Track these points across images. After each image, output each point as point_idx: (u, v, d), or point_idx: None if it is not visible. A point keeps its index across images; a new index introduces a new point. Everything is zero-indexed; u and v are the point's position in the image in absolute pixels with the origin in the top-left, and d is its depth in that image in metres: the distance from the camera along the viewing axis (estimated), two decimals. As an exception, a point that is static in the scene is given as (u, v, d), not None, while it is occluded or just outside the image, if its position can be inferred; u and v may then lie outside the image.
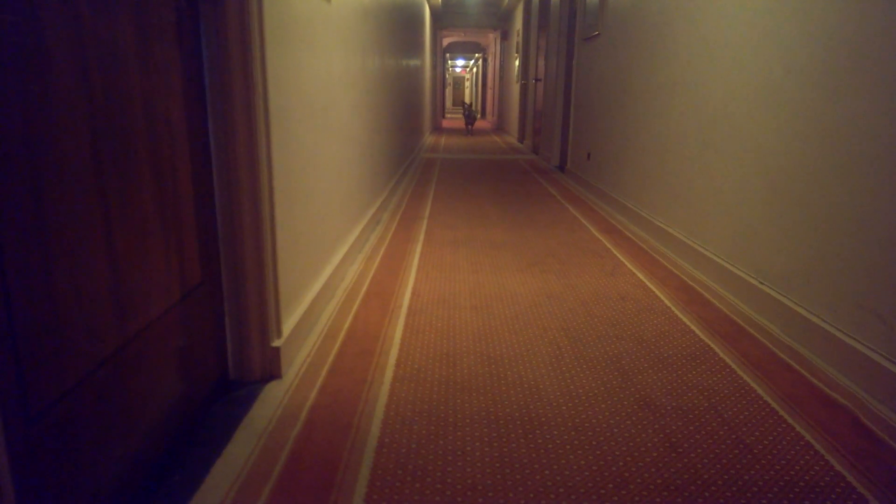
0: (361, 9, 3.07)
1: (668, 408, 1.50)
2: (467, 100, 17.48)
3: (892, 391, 1.50)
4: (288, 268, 1.73)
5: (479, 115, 18.31)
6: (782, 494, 1.18)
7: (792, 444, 1.35)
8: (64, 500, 0.92)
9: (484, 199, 4.57)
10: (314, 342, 1.85)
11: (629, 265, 2.79)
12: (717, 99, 2.56)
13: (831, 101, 1.79)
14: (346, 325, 2.00)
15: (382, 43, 4.02)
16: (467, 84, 28.64)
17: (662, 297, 2.34)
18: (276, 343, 1.60)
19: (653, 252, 3.04)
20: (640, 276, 2.62)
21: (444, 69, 20.90)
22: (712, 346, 1.89)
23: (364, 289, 2.39)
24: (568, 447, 1.32)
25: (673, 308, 2.22)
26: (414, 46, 7.08)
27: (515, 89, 10.63)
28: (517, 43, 10.46)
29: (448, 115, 20.56)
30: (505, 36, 12.79)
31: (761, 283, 2.16)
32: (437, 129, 13.61)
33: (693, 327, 2.03)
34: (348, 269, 2.63)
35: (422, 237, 3.28)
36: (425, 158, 7.41)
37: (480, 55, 20.29)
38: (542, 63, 7.77)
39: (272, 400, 1.50)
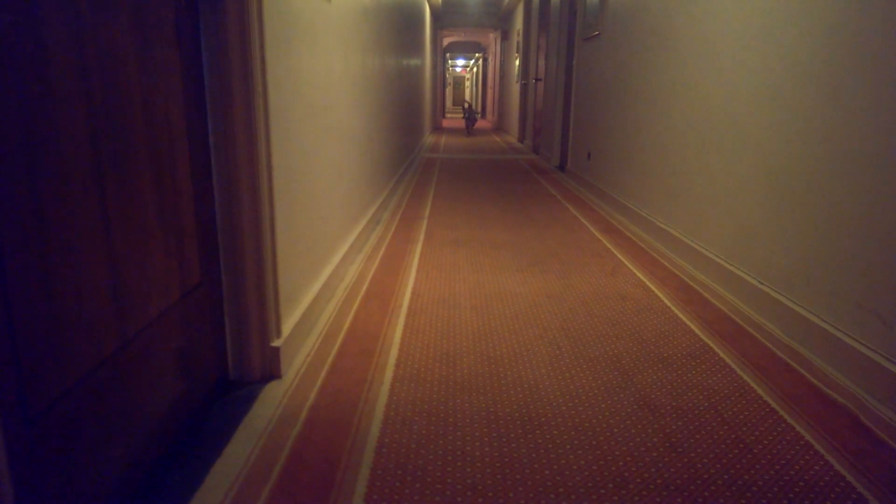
0: (361, 8, 3.07)
1: (668, 407, 1.50)
2: (468, 99, 17.39)
3: (892, 391, 1.50)
4: (288, 267, 1.73)
5: (479, 116, 18.23)
6: (782, 494, 1.18)
7: (791, 444, 1.35)
8: (63, 501, 0.92)
9: (484, 198, 4.57)
10: (314, 342, 1.85)
11: (629, 265, 2.79)
12: (718, 98, 2.56)
13: (831, 101, 1.79)
14: (346, 325, 2.00)
15: (382, 43, 4.02)
16: (467, 84, 28.65)
17: (662, 297, 2.34)
18: (275, 343, 1.60)
19: (653, 252, 3.04)
20: (641, 275, 2.62)
21: (445, 69, 20.90)
22: (712, 345, 1.89)
23: (364, 289, 2.39)
24: (568, 447, 1.32)
25: (673, 308, 2.22)
26: (414, 46, 7.08)
27: (515, 89, 10.63)
28: (517, 43, 10.46)
29: (448, 115, 20.55)
30: (505, 36, 12.79)
31: (761, 283, 2.16)
32: (438, 128, 13.61)
33: (693, 327, 2.03)
34: (348, 268, 2.63)
35: (422, 237, 3.28)
36: (425, 158, 7.41)
37: (481, 55, 20.29)
38: (542, 63, 7.77)
39: (272, 400, 1.50)
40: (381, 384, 1.59)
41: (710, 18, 2.66)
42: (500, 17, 12.65)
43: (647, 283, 2.52)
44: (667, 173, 3.16)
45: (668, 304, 2.26)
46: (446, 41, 17.15)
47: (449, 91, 26.78)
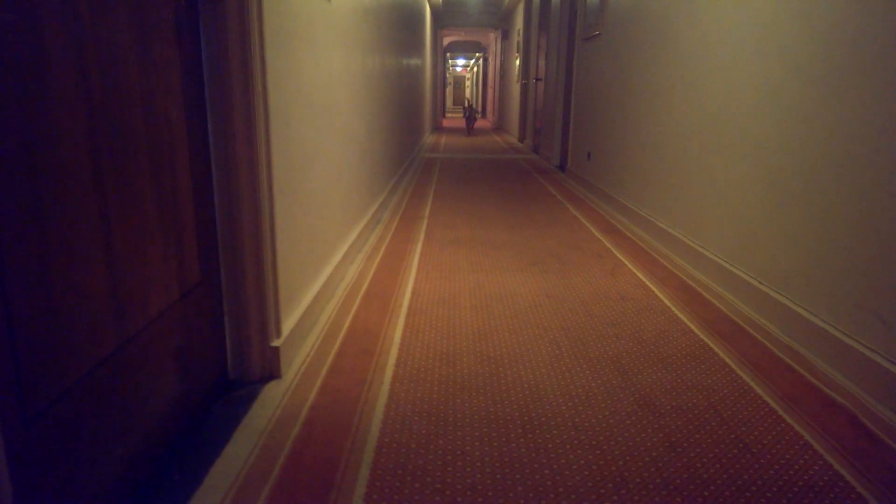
0: (362, 8, 3.07)
1: (668, 407, 1.50)
2: (468, 97, 17.32)
3: (891, 391, 1.50)
4: (287, 267, 1.73)
5: (479, 115, 18.21)
6: (781, 494, 1.18)
7: (791, 444, 1.35)
8: (62, 501, 0.92)
9: (484, 198, 4.57)
10: (314, 342, 1.85)
11: (629, 265, 2.79)
12: (718, 98, 2.56)
13: (831, 101, 1.79)
14: (346, 325, 2.00)
15: (383, 42, 4.02)
16: (468, 83, 28.64)
17: (662, 297, 2.34)
18: (275, 343, 1.61)
19: (653, 252, 3.04)
20: (640, 275, 2.62)
21: (445, 68, 20.89)
22: (712, 345, 1.89)
23: (364, 288, 2.39)
24: (567, 447, 1.32)
25: (673, 308, 2.22)
26: (414, 46, 7.08)
27: (516, 89, 10.63)
28: (518, 42, 10.46)
29: (448, 115, 20.55)
30: (505, 35, 12.79)
31: (761, 282, 2.16)
32: (438, 128, 13.61)
33: (693, 327, 2.03)
34: (348, 268, 2.63)
35: (422, 237, 3.28)
36: (425, 158, 7.41)
37: (481, 55, 20.29)
38: (542, 62, 7.77)
39: (272, 400, 1.50)
40: (381, 384, 1.59)
41: (710, 18, 2.66)
42: (500, 17, 12.64)
43: (647, 283, 2.52)
44: (667, 173, 3.16)
45: (668, 304, 2.26)
46: (447, 41, 17.15)
47: (449, 91, 26.77)
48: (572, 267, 2.73)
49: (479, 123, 16.16)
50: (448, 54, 21.48)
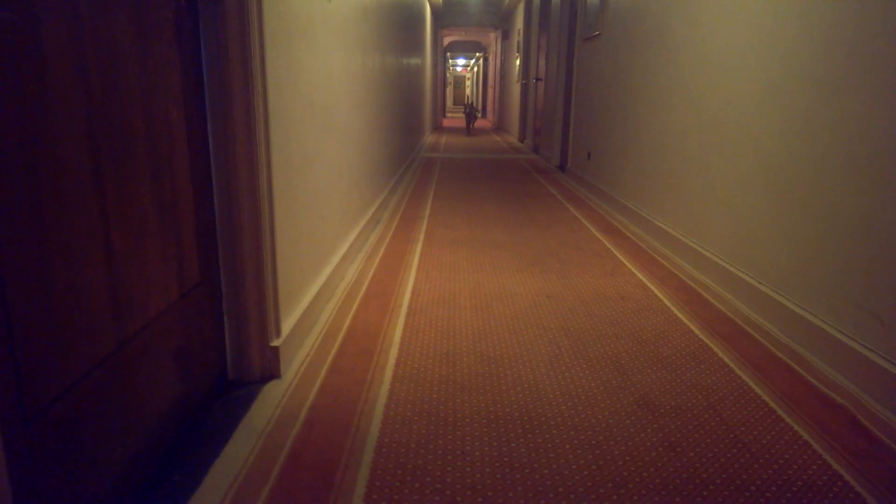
0: (362, 8, 3.07)
1: (667, 407, 1.50)
2: (469, 95, 17.29)
3: (890, 391, 1.50)
4: (287, 267, 1.73)
5: (480, 114, 18.19)
6: (780, 493, 1.18)
7: (790, 444, 1.35)
8: (61, 501, 0.92)
9: (484, 198, 4.57)
10: (314, 342, 1.86)
11: (629, 265, 2.79)
12: (717, 99, 2.56)
13: (831, 101, 1.79)
14: (346, 325, 2.00)
15: (383, 42, 4.02)
16: (468, 83, 28.64)
17: (662, 297, 2.34)
18: (275, 343, 1.61)
19: (653, 252, 3.04)
20: (640, 275, 2.62)
21: (445, 68, 20.89)
22: (711, 345, 1.89)
23: (364, 288, 2.39)
24: (567, 446, 1.32)
25: (672, 308, 2.22)
26: (414, 45, 7.08)
27: (516, 89, 10.63)
28: (518, 42, 10.46)
29: (449, 115, 20.55)
30: (506, 35, 12.78)
31: (760, 282, 2.16)
32: (438, 128, 13.61)
33: (692, 327, 2.03)
34: (348, 268, 2.63)
35: (422, 237, 3.28)
36: (426, 158, 7.41)
37: (481, 54, 20.29)
38: (542, 63, 7.77)
39: (271, 400, 1.50)
40: (381, 384, 1.59)
41: (710, 19, 2.66)
42: (500, 17, 12.64)
43: (647, 283, 2.52)
44: (667, 173, 3.16)
45: (668, 304, 2.26)
46: (447, 40, 17.14)
47: (449, 90, 26.77)
48: (572, 267, 2.73)
49: (480, 123, 16.14)
50: (448, 54, 21.48)
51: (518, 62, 10.36)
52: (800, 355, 1.82)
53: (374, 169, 3.68)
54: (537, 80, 8.12)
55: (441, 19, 12.88)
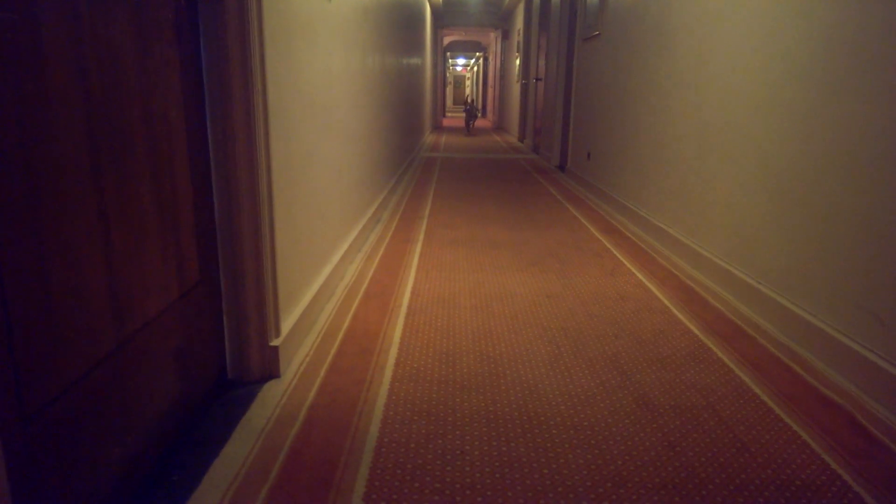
0: (362, 8, 3.07)
1: (666, 407, 1.50)
2: (468, 94, 17.18)
3: (889, 391, 1.50)
4: (287, 266, 1.73)
5: (480, 114, 18.15)
6: (779, 493, 1.19)
7: (789, 444, 1.36)
8: (61, 501, 0.92)
9: (484, 198, 4.57)
10: (313, 341, 1.86)
11: (629, 265, 2.79)
12: (717, 99, 2.56)
13: (831, 102, 1.79)
14: (346, 325, 2.00)
15: (383, 42, 4.02)
16: (468, 83, 28.64)
17: (661, 297, 2.34)
18: (274, 342, 1.61)
19: (652, 252, 3.04)
20: (640, 276, 2.63)
21: (445, 68, 20.89)
22: (710, 345, 1.89)
23: (363, 288, 2.39)
24: (566, 446, 1.33)
25: (672, 308, 2.22)
26: (414, 45, 7.08)
27: (516, 89, 10.63)
28: (518, 42, 10.46)
29: (449, 114, 20.55)
30: (506, 35, 12.78)
31: (759, 283, 2.16)
32: (438, 127, 13.60)
33: (692, 327, 2.04)
34: (348, 268, 2.63)
35: (421, 236, 3.28)
36: (425, 157, 7.41)
37: (481, 54, 20.28)
38: (542, 63, 7.77)
39: (271, 399, 1.50)
40: (381, 384, 1.59)
41: (709, 19, 2.66)
42: (500, 17, 12.64)
43: (647, 283, 2.52)
44: (666, 173, 3.16)
45: (667, 303, 2.27)
46: (447, 40, 17.14)
47: (449, 90, 26.77)
48: (572, 267, 2.73)
49: (479, 123, 16.11)
50: (448, 54, 21.47)
51: (518, 62, 10.36)
52: (799, 355, 1.83)
53: (374, 168, 3.68)
54: (537, 79, 8.12)
55: (441, 19, 12.88)
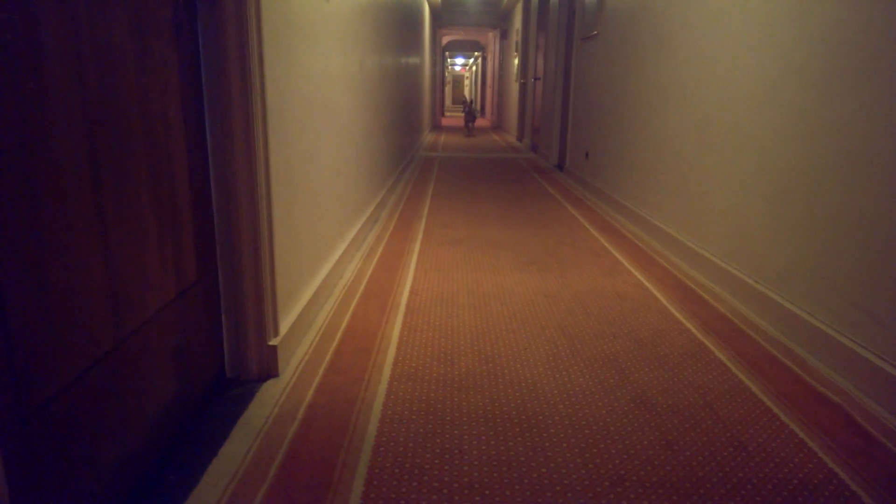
0: (360, 8, 3.07)
1: (664, 406, 1.51)
2: (467, 96, 17.09)
3: (886, 389, 1.51)
4: (285, 266, 1.73)
5: (479, 114, 18.11)
6: (776, 492, 1.19)
7: (786, 442, 1.36)
8: (59, 500, 0.92)
9: (482, 197, 4.57)
10: (312, 341, 1.86)
11: (627, 264, 2.79)
12: (715, 98, 2.56)
13: (830, 102, 1.80)
14: (344, 324, 2.00)
15: (381, 41, 4.02)
16: (467, 83, 28.64)
17: (659, 296, 2.34)
18: (272, 341, 1.61)
19: (650, 251, 3.05)
20: (638, 275, 2.63)
21: (444, 67, 20.89)
22: (708, 344, 1.89)
23: (362, 287, 2.39)
24: (564, 445, 1.33)
25: (670, 307, 2.22)
26: (413, 45, 7.08)
27: (514, 88, 10.63)
28: (516, 42, 10.46)
29: (447, 114, 20.54)
30: (504, 35, 12.78)
31: (757, 282, 2.16)
32: (437, 127, 13.60)
33: (689, 326, 2.04)
34: (346, 267, 2.63)
35: (420, 236, 3.29)
36: (424, 157, 7.41)
37: (480, 54, 20.28)
38: (541, 62, 7.77)
39: (269, 399, 1.51)
40: (379, 383, 1.60)
41: (707, 18, 2.66)
42: (499, 17, 12.64)
43: (645, 282, 2.53)
44: (664, 172, 3.17)
45: (665, 303, 2.27)
46: (445, 40, 17.14)
47: (448, 90, 26.76)
48: (570, 266, 2.74)
49: (478, 122, 16.09)
50: (447, 53, 21.47)
51: (516, 62, 10.36)
52: (796, 354, 1.83)
53: (373, 168, 3.68)
54: (536, 79, 8.12)
55: (440, 19, 12.88)
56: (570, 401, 1.52)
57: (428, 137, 10.31)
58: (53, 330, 0.90)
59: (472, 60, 25.63)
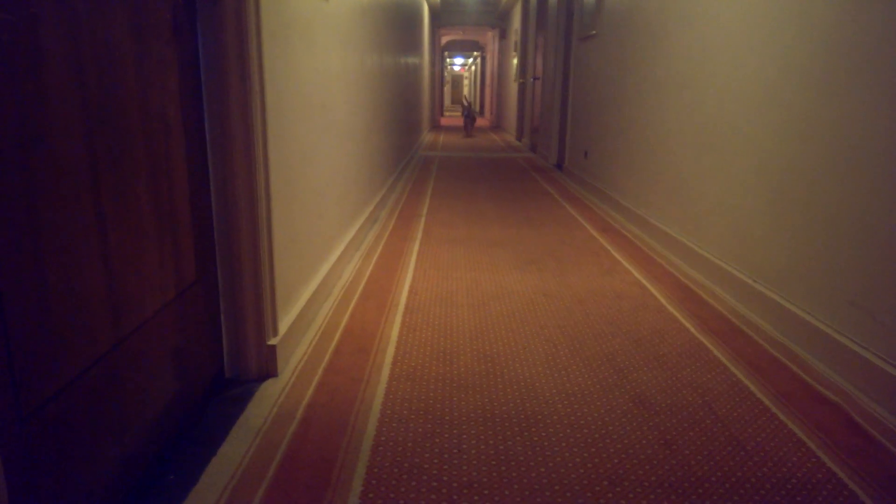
0: (360, 8, 3.07)
1: (663, 405, 1.51)
2: (466, 96, 16.99)
3: (884, 389, 1.51)
4: (284, 265, 1.73)
5: (478, 115, 18.05)
6: (774, 491, 1.19)
7: (784, 442, 1.36)
8: (58, 500, 0.92)
9: (482, 197, 4.57)
10: (311, 340, 1.86)
11: (626, 263, 2.80)
12: (714, 99, 2.57)
13: (830, 102, 1.80)
14: (343, 323, 2.00)
15: (381, 41, 4.02)
16: (466, 82, 28.63)
17: (658, 296, 2.34)
18: (272, 341, 1.61)
19: (649, 251, 3.05)
20: (637, 274, 2.63)
21: (443, 67, 20.89)
22: (707, 344, 1.89)
23: (361, 287, 2.39)
24: (563, 444, 1.33)
25: (668, 306, 2.23)
26: (412, 45, 7.08)
27: (513, 88, 10.63)
28: (515, 42, 10.46)
29: (447, 113, 20.54)
30: (503, 35, 12.78)
31: (756, 281, 2.17)
32: (436, 126, 13.60)
33: (688, 325, 2.04)
34: (345, 266, 2.63)
35: (419, 235, 3.29)
36: (423, 156, 7.41)
37: (479, 54, 20.28)
38: (539, 62, 7.77)
39: (268, 398, 1.51)
40: (378, 382, 1.60)
41: (706, 18, 2.66)
42: (497, 17, 12.64)
43: (644, 281, 2.53)
44: (664, 172, 3.17)
45: (664, 302, 2.27)
46: (444, 40, 17.14)
47: (447, 89, 26.76)
48: (569, 265, 2.74)
49: (477, 122, 16.06)
50: (446, 53, 21.47)
51: (515, 61, 10.36)
52: (795, 353, 1.83)
53: (373, 167, 3.68)
54: (535, 79, 8.12)
55: (439, 19, 12.88)
56: (569, 400, 1.52)
57: (427, 137, 10.31)
58: (52, 330, 0.90)
59: (471, 60, 25.63)
